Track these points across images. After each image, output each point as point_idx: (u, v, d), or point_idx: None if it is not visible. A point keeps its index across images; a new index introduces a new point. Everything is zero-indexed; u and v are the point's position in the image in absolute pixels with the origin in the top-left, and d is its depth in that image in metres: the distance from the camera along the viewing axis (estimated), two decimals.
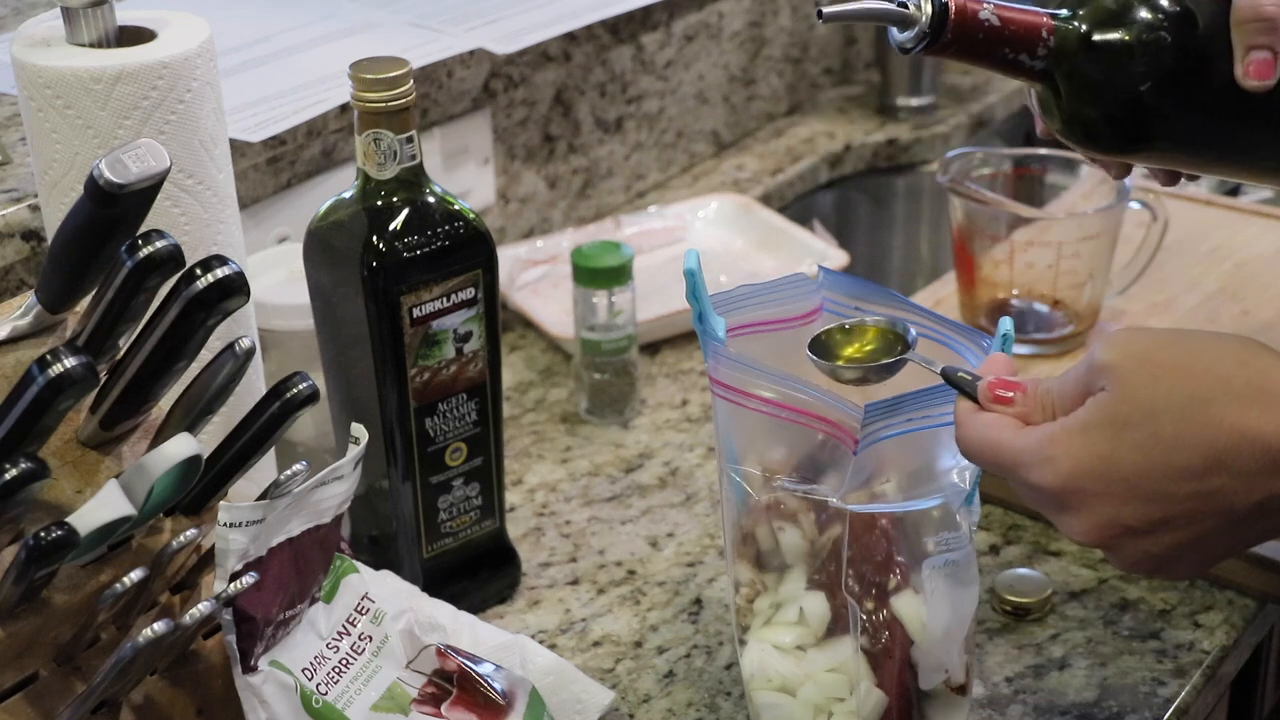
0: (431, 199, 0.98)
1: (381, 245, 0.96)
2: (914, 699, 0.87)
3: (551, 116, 1.52)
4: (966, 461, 0.84)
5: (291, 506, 0.82)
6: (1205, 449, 0.72)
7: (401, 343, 0.97)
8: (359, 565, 0.90)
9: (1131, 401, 0.73)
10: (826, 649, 0.88)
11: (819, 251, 1.46)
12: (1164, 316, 1.27)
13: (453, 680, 0.89)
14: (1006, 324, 0.85)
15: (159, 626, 0.72)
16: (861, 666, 0.86)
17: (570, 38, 1.49)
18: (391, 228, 0.96)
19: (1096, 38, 0.85)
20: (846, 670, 0.87)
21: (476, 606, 1.05)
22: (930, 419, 0.82)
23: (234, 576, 0.79)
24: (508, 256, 1.42)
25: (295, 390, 0.81)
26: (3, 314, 0.82)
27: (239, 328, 0.97)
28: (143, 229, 0.76)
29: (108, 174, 0.72)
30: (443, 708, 0.88)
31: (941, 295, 1.31)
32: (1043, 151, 1.31)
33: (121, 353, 0.79)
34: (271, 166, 1.25)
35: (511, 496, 1.18)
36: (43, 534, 0.69)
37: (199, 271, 0.75)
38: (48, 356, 0.69)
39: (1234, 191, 1.82)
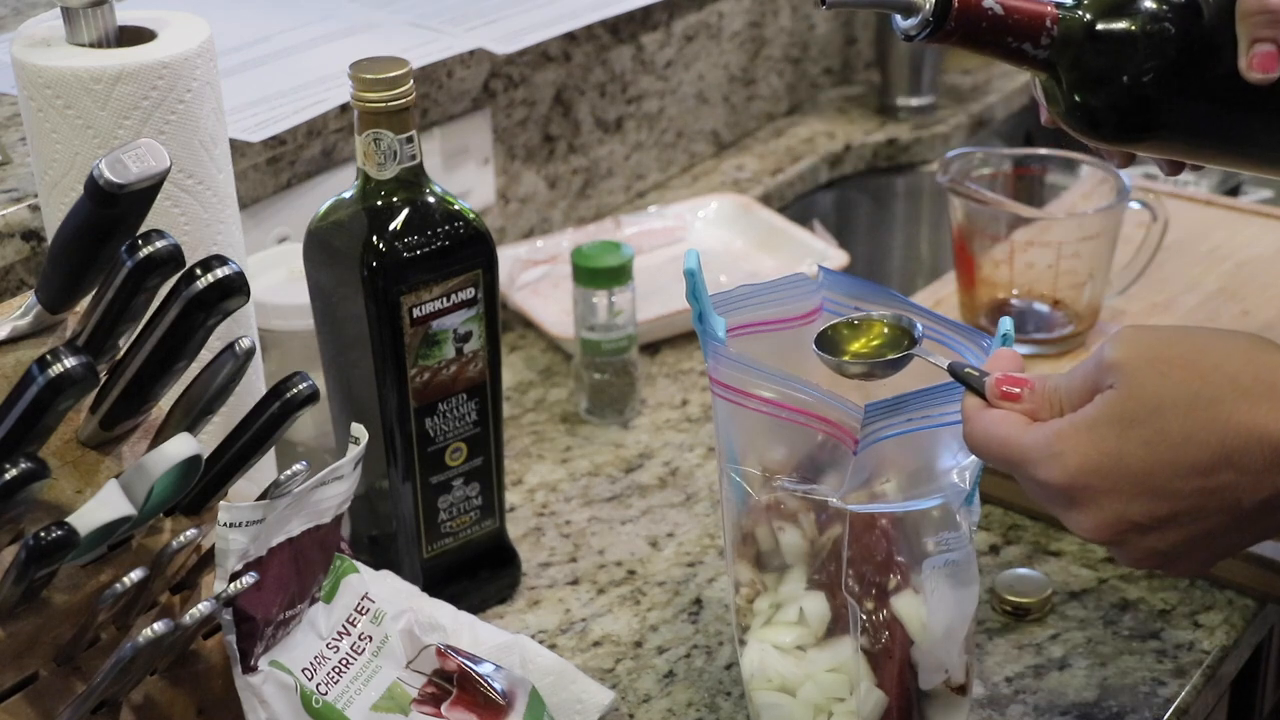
0: (431, 199, 0.98)
1: (381, 245, 0.96)
2: (914, 699, 0.87)
3: (551, 116, 1.52)
4: (967, 461, 0.84)
5: (291, 506, 0.82)
6: (1213, 446, 0.72)
7: (401, 343, 0.97)
8: (359, 565, 0.90)
9: (1139, 398, 0.73)
10: (826, 649, 0.88)
11: (819, 251, 1.46)
12: (1164, 316, 1.27)
13: (453, 680, 0.89)
14: (1006, 324, 0.85)
15: (159, 626, 0.72)
16: (861, 666, 0.86)
17: (570, 38, 1.49)
18: (391, 228, 0.96)
19: (1100, 27, 0.85)
20: (846, 670, 0.88)
21: (476, 606, 1.05)
22: (930, 419, 0.82)
23: (234, 576, 0.79)
24: (508, 256, 1.42)
25: (295, 390, 0.81)
26: (3, 314, 0.82)
27: (239, 328, 0.97)
28: (143, 229, 0.76)
29: (108, 174, 0.72)
30: (443, 708, 0.88)
31: (941, 295, 1.31)
32: (1043, 151, 1.31)
33: (121, 353, 0.79)
34: (271, 166, 1.25)
35: (511, 496, 1.18)
36: (43, 534, 0.69)
37: (199, 271, 0.75)
38: (48, 356, 0.69)
39: (1234, 191, 1.82)
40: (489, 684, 0.88)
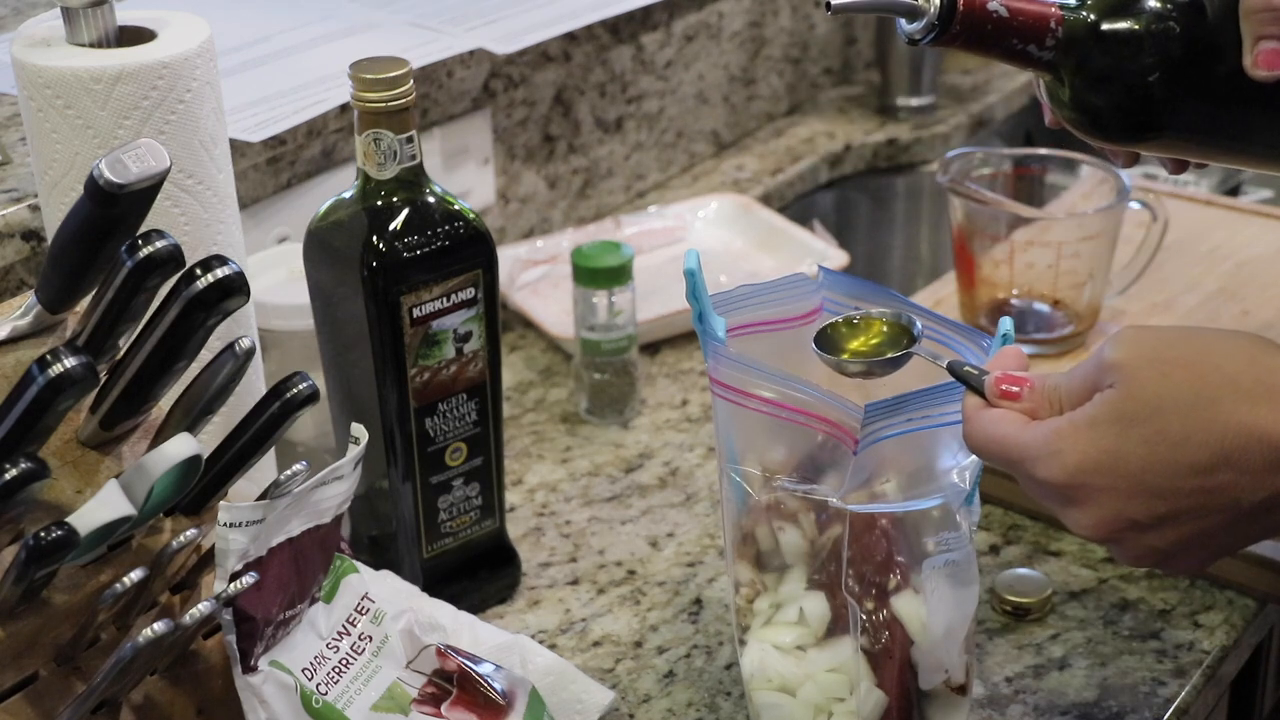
0: (431, 199, 0.98)
1: (381, 245, 0.96)
2: (914, 699, 0.87)
3: (551, 116, 1.52)
4: (967, 461, 0.84)
5: (291, 506, 0.82)
6: (1212, 446, 0.72)
7: (401, 343, 0.97)
8: (359, 565, 0.90)
9: (1139, 398, 0.73)
10: (826, 649, 0.88)
11: (819, 251, 1.46)
12: (1164, 316, 1.27)
13: (453, 680, 0.89)
14: (1006, 324, 0.85)
15: (159, 626, 0.72)
16: (861, 666, 0.86)
17: (570, 38, 1.49)
18: (391, 228, 0.96)
19: (1105, 27, 0.85)
20: (846, 670, 0.87)
21: (476, 606, 1.05)
22: (930, 419, 0.82)
23: (234, 576, 0.79)
24: (508, 256, 1.42)
25: (295, 390, 0.81)
26: (3, 314, 0.82)
27: (239, 328, 0.97)
28: (143, 229, 0.76)
29: (108, 174, 0.72)
30: (443, 708, 0.88)
31: (941, 295, 1.31)
32: (1043, 151, 1.31)
33: (121, 353, 0.79)
34: (271, 166, 1.25)
35: (511, 496, 1.18)
36: (43, 534, 0.69)
37: (199, 271, 0.75)
38: (48, 356, 0.69)
39: (1234, 191, 1.82)
40: (489, 684, 0.88)
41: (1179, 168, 0.95)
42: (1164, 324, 1.25)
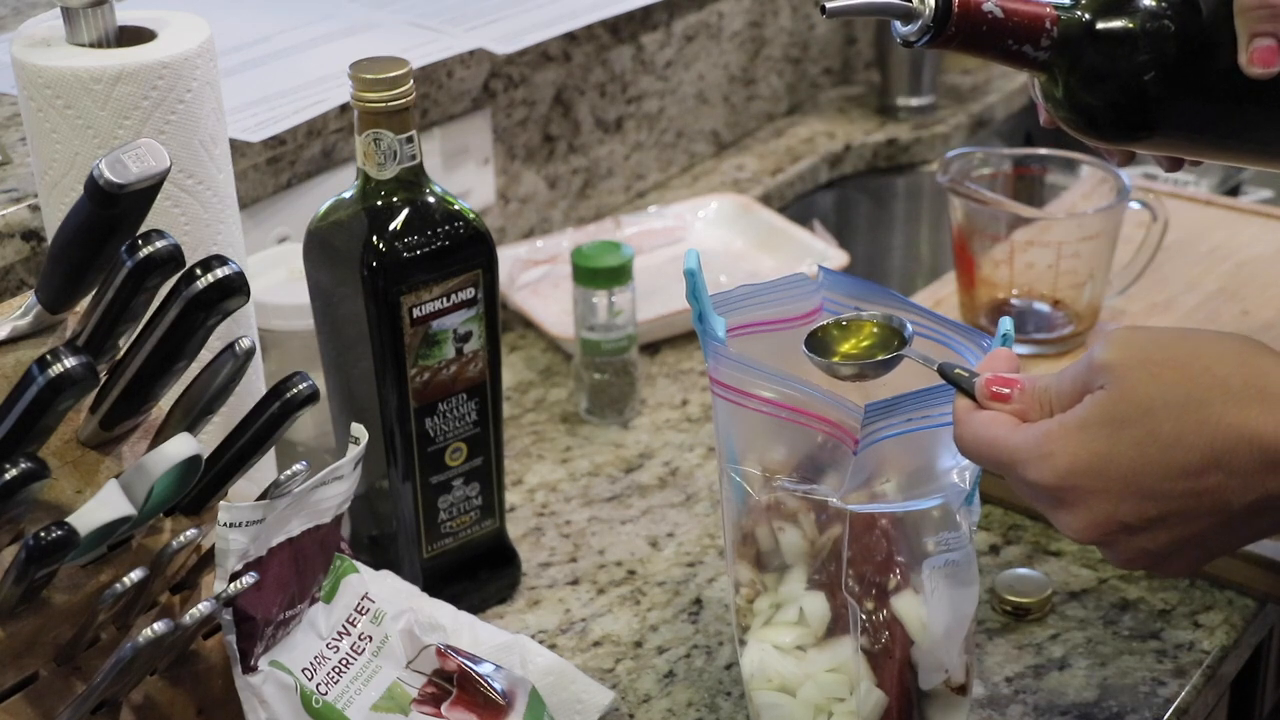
0: (431, 199, 0.98)
1: (381, 245, 0.96)
2: (914, 699, 0.87)
3: (551, 116, 1.52)
4: (967, 461, 0.84)
5: (291, 506, 0.82)
6: (1203, 447, 0.72)
7: (401, 343, 0.97)
8: (359, 565, 0.90)
9: (1130, 400, 0.73)
10: (826, 649, 0.88)
11: (819, 251, 1.46)
12: (1164, 316, 1.27)
13: (453, 680, 0.89)
14: (1006, 324, 0.85)
15: (159, 626, 0.72)
16: (861, 666, 0.86)
17: (570, 38, 1.49)
18: (391, 228, 0.96)
19: (1100, 26, 0.85)
20: (846, 670, 0.87)
21: (476, 606, 1.05)
22: (930, 419, 0.82)
23: (234, 576, 0.79)
24: (508, 256, 1.42)
25: (295, 390, 0.81)
26: (3, 314, 0.82)
27: (239, 328, 0.97)
28: (143, 229, 0.76)
29: (108, 174, 0.73)
30: (443, 708, 0.88)
31: (941, 295, 1.31)
32: (1043, 151, 1.31)
33: (121, 353, 0.79)
34: (271, 166, 1.25)
35: (511, 496, 1.18)
36: (43, 534, 0.69)
37: (199, 271, 0.75)
38: (48, 356, 0.69)
39: (1234, 191, 1.82)
40: (489, 684, 0.88)
41: (1174, 165, 0.95)
42: (1164, 324, 1.25)
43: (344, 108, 1.25)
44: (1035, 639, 1.02)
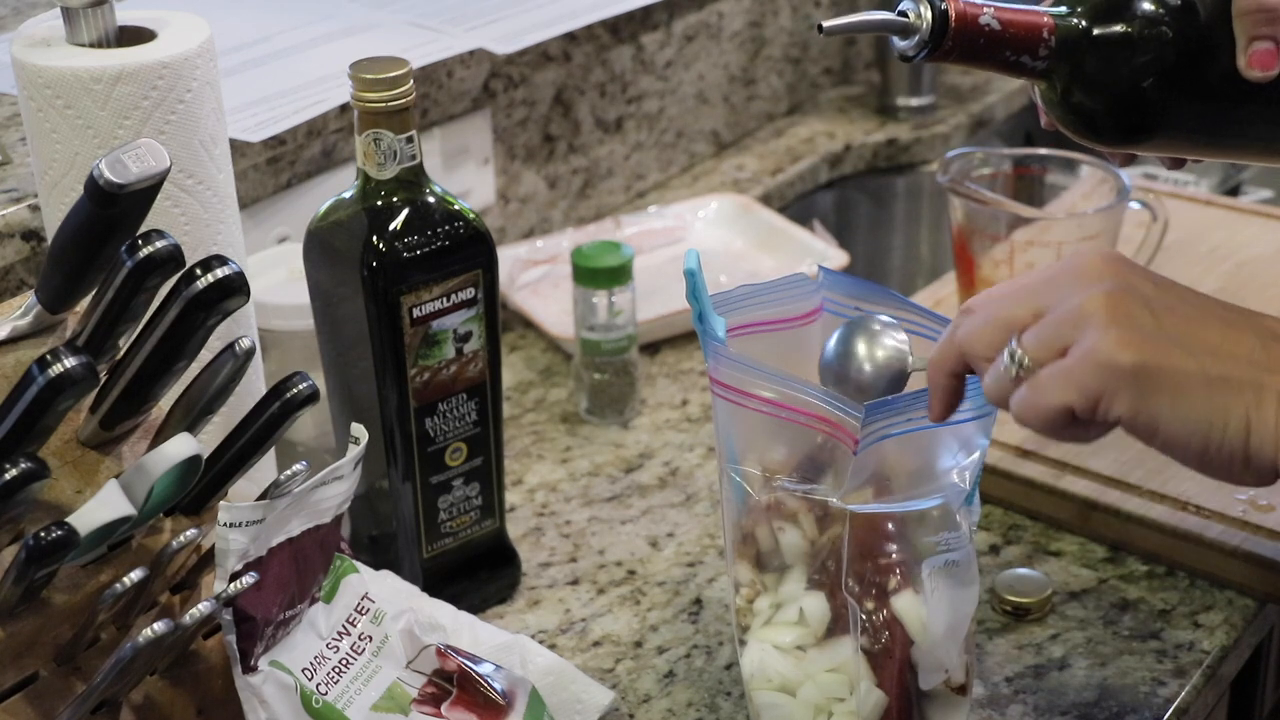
0: (431, 199, 0.98)
1: (381, 245, 0.96)
2: (914, 699, 0.87)
3: (551, 116, 1.52)
4: (967, 461, 0.84)
5: (291, 506, 0.82)
6: (1244, 316, 0.72)
7: (401, 343, 0.97)
8: (359, 565, 0.90)
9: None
10: (826, 649, 0.88)
11: (819, 251, 1.46)
12: None
13: (453, 680, 0.89)
14: None
15: (159, 626, 0.72)
16: (861, 666, 0.86)
17: (570, 38, 1.49)
18: (391, 228, 0.96)
19: (1098, 33, 0.85)
20: (846, 670, 0.88)
21: (476, 606, 1.05)
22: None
23: (234, 576, 0.79)
24: (508, 256, 1.42)
25: (295, 390, 0.81)
26: (3, 314, 0.82)
27: (239, 328, 0.97)
28: (143, 229, 0.76)
29: (108, 174, 0.73)
30: (443, 708, 0.88)
31: (941, 295, 1.32)
32: (1043, 151, 1.31)
33: (121, 353, 0.79)
34: (271, 166, 1.25)
35: (511, 496, 1.18)
36: (43, 534, 0.69)
37: (199, 271, 0.75)
38: (48, 356, 0.69)
39: (1234, 191, 1.82)
40: (489, 684, 0.88)
41: (1176, 164, 0.95)
42: None
43: (344, 108, 1.25)
44: (1035, 639, 1.02)
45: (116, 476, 0.74)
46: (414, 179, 0.97)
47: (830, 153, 1.75)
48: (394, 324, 0.97)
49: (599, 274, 1.24)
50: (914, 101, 1.81)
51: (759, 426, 0.86)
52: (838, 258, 1.44)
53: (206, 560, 0.82)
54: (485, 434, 1.03)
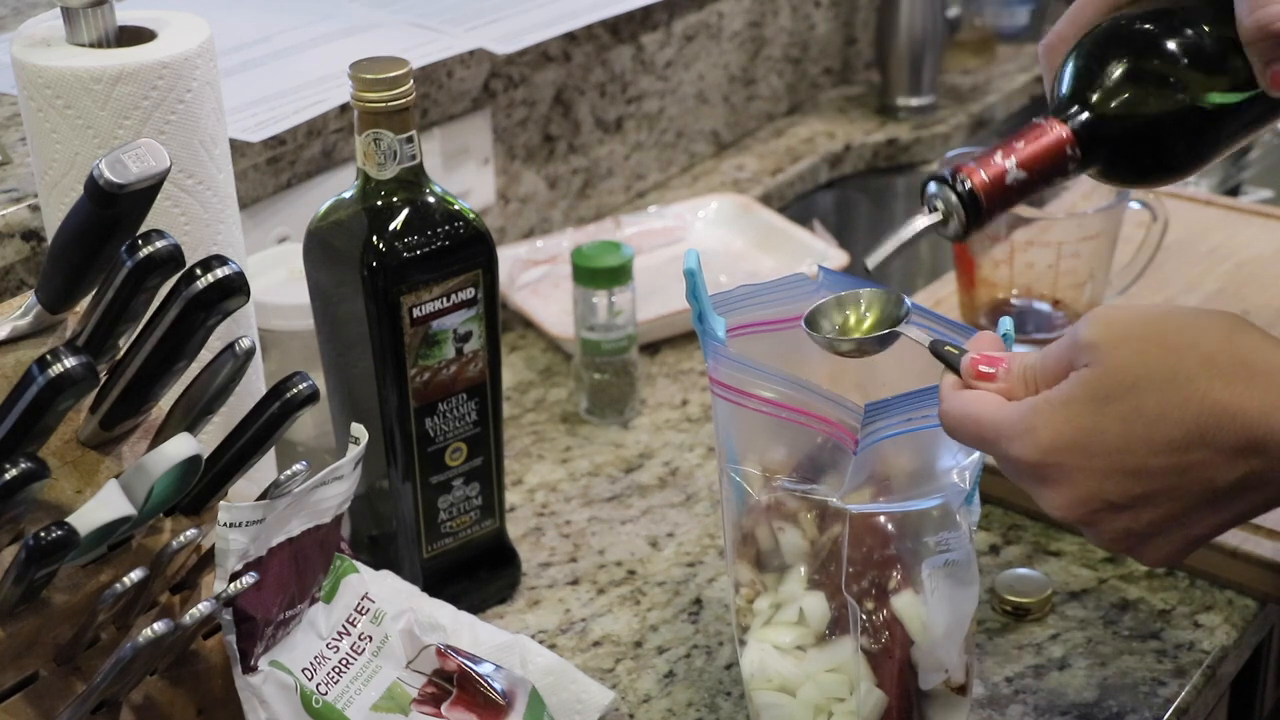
0: (431, 199, 0.98)
1: (381, 245, 0.96)
2: (914, 699, 0.87)
3: (551, 116, 1.52)
4: (967, 461, 0.84)
5: (291, 506, 0.82)
6: (1187, 423, 0.72)
7: (401, 343, 0.97)
8: (359, 565, 0.90)
9: (1114, 376, 0.73)
10: (826, 649, 0.88)
11: (819, 251, 1.46)
12: None
13: (453, 680, 0.89)
14: (1006, 324, 0.85)
15: (159, 626, 0.72)
16: (861, 666, 0.86)
17: (570, 38, 1.49)
18: (391, 228, 0.96)
19: (1114, 120, 0.87)
20: (846, 670, 0.87)
21: (476, 606, 1.05)
22: (930, 419, 0.82)
23: (234, 576, 0.79)
24: (508, 256, 1.42)
25: (295, 390, 0.81)
26: (3, 314, 0.82)
27: (239, 328, 0.97)
28: (143, 229, 0.76)
29: (108, 174, 0.72)
30: (443, 708, 0.88)
31: (941, 295, 1.32)
32: None
33: (121, 353, 0.79)
34: (271, 166, 1.25)
35: (511, 496, 1.18)
36: (43, 534, 0.69)
37: (199, 271, 0.75)
38: (48, 356, 0.69)
39: (1234, 191, 1.82)
40: (489, 684, 0.88)
41: None
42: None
43: (344, 108, 1.25)
44: (1035, 639, 1.02)
45: (116, 476, 0.74)
46: (414, 179, 0.97)
47: (830, 153, 1.75)
48: (394, 324, 0.97)
49: (599, 274, 1.24)
50: (914, 101, 1.81)
51: (759, 426, 0.86)
52: (838, 258, 1.44)
53: (206, 560, 0.82)
54: (485, 434, 1.03)
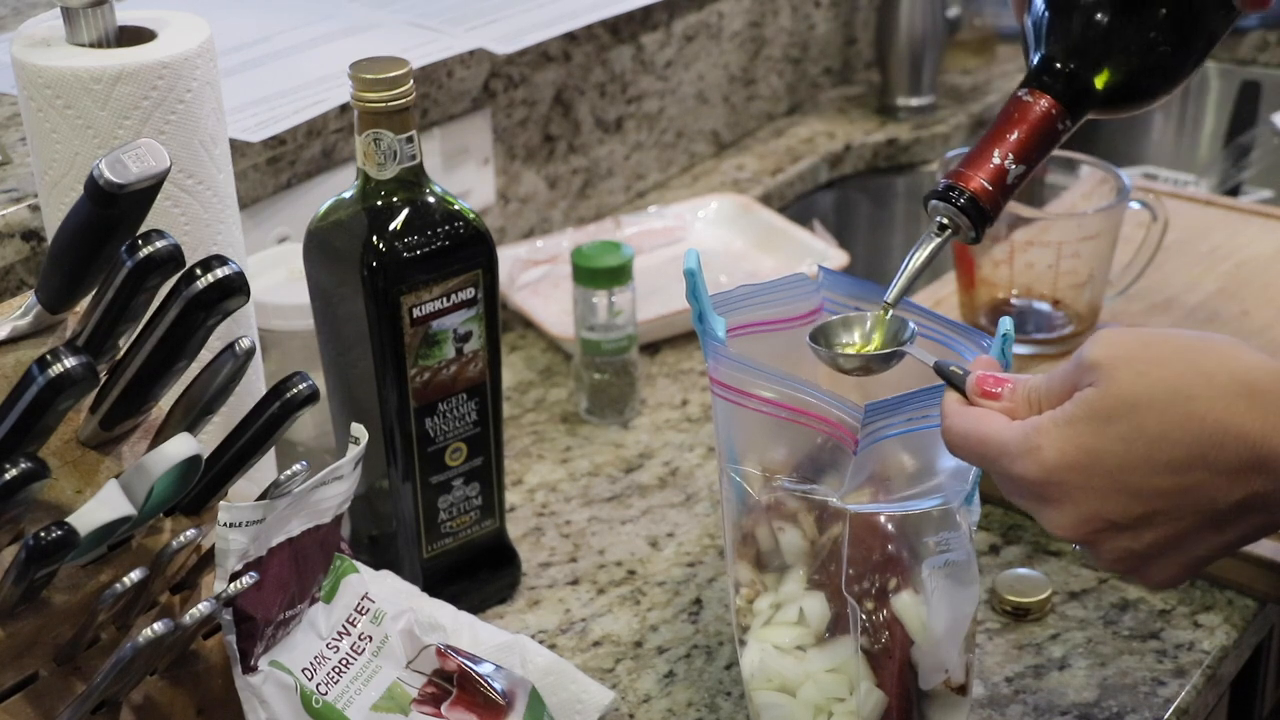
0: (431, 199, 0.98)
1: (381, 245, 0.96)
2: (914, 699, 0.87)
3: (551, 116, 1.52)
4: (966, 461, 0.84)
5: (291, 506, 0.82)
6: (1189, 443, 0.72)
7: (401, 343, 0.97)
8: (359, 565, 0.90)
9: (1117, 396, 0.73)
10: (826, 649, 0.88)
11: (819, 251, 1.46)
12: (1164, 317, 1.27)
13: (453, 680, 0.89)
14: (1006, 324, 0.85)
15: (159, 626, 0.72)
16: (861, 666, 0.86)
17: (570, 38, 1.49)
18: (391, 228, 0.96)
19: (1092, 76, 0.86)
20: (846, 670, 0.87)
21: (476, 606, 1.05)
22: (930, 419, 0.82)
23: (234, 576, 0.79)
24: (508, 256, 1.42)
25: (295, 390, 0.81)
26: (3, 314, 0.82)
27: (239, 328, 0.97)
28: (143, 229, 0.76)
29: (108, 174, 0.73)
30: (443, 708, 0.88)
31: (941, 295, 1.32)
32: None
33: (121, 353, 0.79)
34: (271, 166, 1.25)
35: (511, 496, 1.18)
36: (43, 534, 0.69)
37: (199, 271, 0.75)
38: (48, 356, 0.69)
39: (1234, 191, 1.82)
40: (489, 684, 0.88)
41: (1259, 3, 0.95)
42: (1163, 324, 1.25)
43: (344, 108, 1.25)
44: (1035, 639, 1.02)
45: (116, 476, 0.74)
46: (414, 179, 0.97)
47: (830, 153, 1.75)
48: (394, 324, 0.97)
49: (599, 274, 1.24)
50: (914, 101, 1.81)
51: (759, 426, 0.86)
52: (838, 258, 1.44)
53: (206, 560, 0.82)
54: (485, 434, 1.03)
